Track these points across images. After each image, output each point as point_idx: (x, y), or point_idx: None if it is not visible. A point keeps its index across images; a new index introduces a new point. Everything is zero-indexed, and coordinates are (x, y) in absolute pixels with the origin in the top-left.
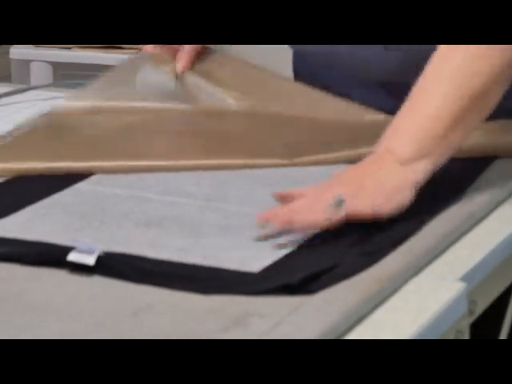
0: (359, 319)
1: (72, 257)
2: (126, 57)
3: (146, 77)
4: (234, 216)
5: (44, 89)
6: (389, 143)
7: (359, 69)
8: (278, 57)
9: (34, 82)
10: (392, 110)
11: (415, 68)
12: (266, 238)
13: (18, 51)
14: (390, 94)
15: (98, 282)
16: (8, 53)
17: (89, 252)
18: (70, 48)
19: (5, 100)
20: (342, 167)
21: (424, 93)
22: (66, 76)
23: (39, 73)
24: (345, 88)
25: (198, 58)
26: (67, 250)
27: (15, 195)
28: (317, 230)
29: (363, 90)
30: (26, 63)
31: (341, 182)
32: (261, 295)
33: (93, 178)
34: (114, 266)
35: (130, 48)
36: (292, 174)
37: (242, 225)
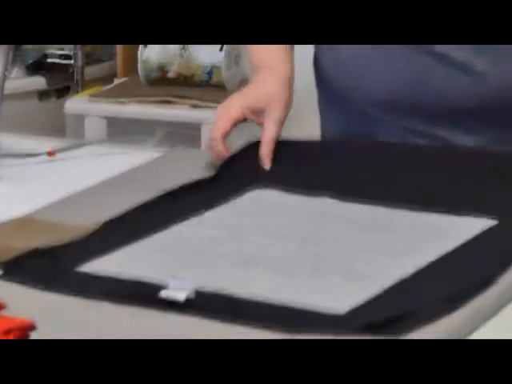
0: None
1: (164, 294)
2: (181, 112)
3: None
4: (325, 258)
5: (99, 144)
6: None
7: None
8: None
9: (88, 136)
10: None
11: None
12: (354, 278)
13: (72, 106)
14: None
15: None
16: (63, 107)
17: (180, 289)
18: (124, 103)
19: (60, 155)
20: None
21: None
22: (120, 131)
23: (94, 128)
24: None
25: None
26: (160, 287)
27: (116, 234)
28: None
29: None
30: (80, 118)
31: None
32: (345, 335)
33: (193, 221)
34: (203, 304)
35: (183, 103)
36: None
37: (332, 267)
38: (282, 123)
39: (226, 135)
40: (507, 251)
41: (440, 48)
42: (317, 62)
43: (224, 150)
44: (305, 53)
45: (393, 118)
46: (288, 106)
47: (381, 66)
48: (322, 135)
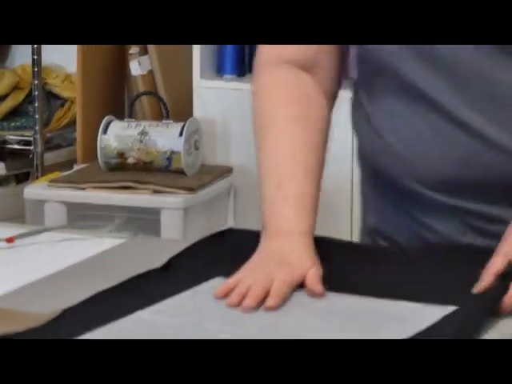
0: None
1: None
2: (140, 197)
3: None
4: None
5: (58, 230)
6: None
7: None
8: None
9: (48, 222)
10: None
11: None
12: None
13: (32, 192)
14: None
15: None
16: (23, 193)
17: None
18: (84, 189)
19: (19, 242)
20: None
21: None
22: (80, 217)
23: (53, 214)
24: None
25: None
26: None
27: (75, 322)
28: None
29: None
30: (40, 204)
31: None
32: None
33: (153, 308)
34: None
35: (143, 189)
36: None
37: None
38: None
39: None
40: (466, 333)
41: (492, 135)
42: (362, 151)
43: None
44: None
45: (443, 197)
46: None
47: (430, 146)
48: (364, 222)
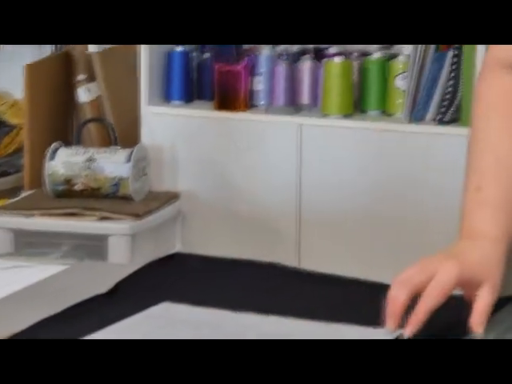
0: None
1: None
2: (87, 224)
3: None
4: None
5: (5, 257)
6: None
7: None
8: None
9: None
10: None
11: None
12: None
13: None
14: None
15: None
16: None
17: None
18: (31, 215)
19: None
20: None
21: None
22: (27, 244)
23: (0, 240)
24: None
25: None
26: None
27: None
28: None
29: None
30: None
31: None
32: None
33: (98, 334)
34: None
35: (91, 215)
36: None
37: None
38: (498, 289)
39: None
40: None
41: None
42: None
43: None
44: None
45: None
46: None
47: None
48: None
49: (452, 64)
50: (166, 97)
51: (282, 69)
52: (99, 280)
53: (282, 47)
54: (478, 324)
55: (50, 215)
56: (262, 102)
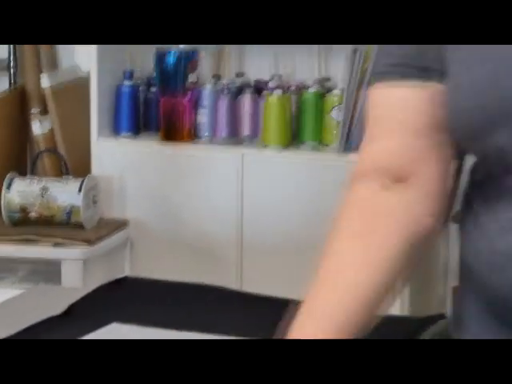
0: None
1: None
2: (42, 250)
3: None
4: None
5: None
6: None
7: None
8: None
9: None
10: None
11: None
12: None
13: None
14: None
15: None
16: None
17: None
18: None
19: None
20: None
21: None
22: None
23: None
24: None
25: None
26: None
27: None
28: None
29: None
30: None
31: None
32: None
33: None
34: None
35: (45, 242)
36: None
37: None
38: None
39: None
40: None
41: None
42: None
43: None
44: None
45: None
46: None
47: None
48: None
49: None
50: (115, 130)
51: (224, 102)
52: (54, 303)
53: (224, 81)
54: None
55: (7, 242)
56: (206, 134)
